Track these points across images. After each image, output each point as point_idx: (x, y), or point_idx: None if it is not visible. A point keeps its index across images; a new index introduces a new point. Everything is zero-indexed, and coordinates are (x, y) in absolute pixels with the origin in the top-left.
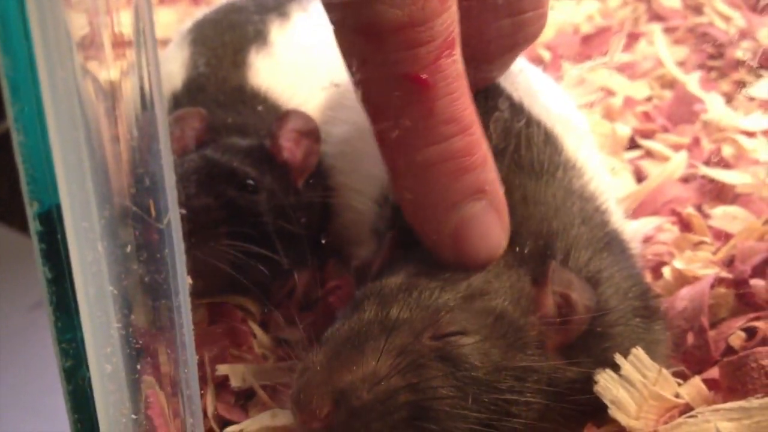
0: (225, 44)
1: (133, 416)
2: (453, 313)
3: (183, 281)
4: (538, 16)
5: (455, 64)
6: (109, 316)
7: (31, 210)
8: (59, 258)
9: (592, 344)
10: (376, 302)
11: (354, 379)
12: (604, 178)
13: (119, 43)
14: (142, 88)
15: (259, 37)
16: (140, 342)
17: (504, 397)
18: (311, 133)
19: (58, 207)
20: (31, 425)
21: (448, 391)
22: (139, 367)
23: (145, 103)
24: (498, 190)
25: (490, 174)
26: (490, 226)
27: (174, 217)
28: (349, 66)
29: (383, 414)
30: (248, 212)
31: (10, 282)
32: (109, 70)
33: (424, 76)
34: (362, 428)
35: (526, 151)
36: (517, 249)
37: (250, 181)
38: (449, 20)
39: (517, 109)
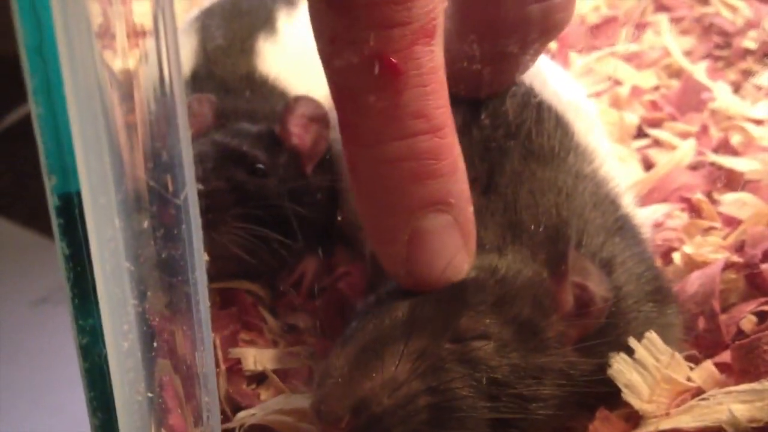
0: (233, 32)
1: (149, 395)
2: (472, 316)
3: (200, 257)
4: (567, 2)
5: (432, 54)
6: (126, 293)
7: (49, 184)
8: (77, 234)
9: (607, 331)
10: (396, 303)
11: (374, 385)
12: (614, 163)
13: (134, 33)
14: (160, 63)
15: (267, 25)
16: (156, 319)
17: (523, 395)
18: (321, 119)
19: (77, 183)
20: (33, 420)
21: (468, 393)
22: (155, 344)
23: (163, 78)
24: (466, 207)
25: (458, 186)
26: (450, 245)
27: (191, 192)
28: (318, 43)
29: (403, 418)
30: (257, 197)
31: (13, 277)
32: (125, 56)
33: (394, 61)
34: None
35: (536, 135)
36: (531, 236)
37: (260, 166)
38: (431, 6)
39: (527, 93)
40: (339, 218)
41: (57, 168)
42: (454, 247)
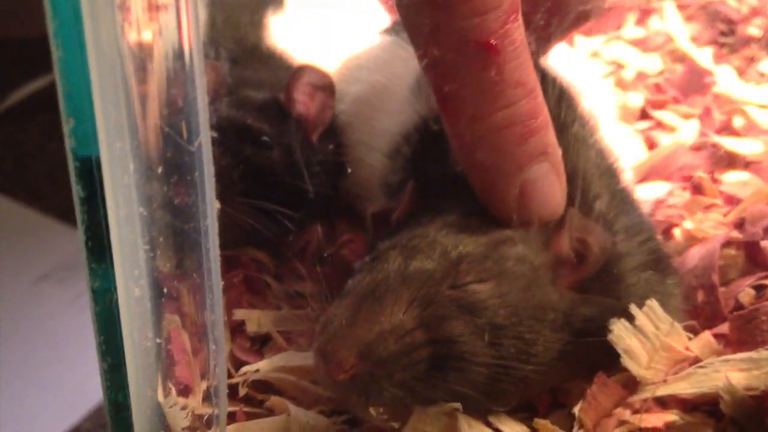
0: (242, 5)
1: (158, 340)
2: (472, 262)
3: (211, 205)
4: None
5: (520, 28)
6: (138, 238)
7: (67, 127)
8: (92, 177)
9: (606, 287)
10: (397, 254)
11: (375, 331)
12: (617, 139)
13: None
14: (178, 14)
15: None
16: (167, 266)
17: (523, 337)
18: (326, 87)
19: (93, 127)
20: (31, 397)
21: (468, 338)
22: (165, 291)
23: (181, 27)
24: (558, 152)
25: (551, 136)
26: (552, 187)
27: (205, 140)
28: (415, 37)
29: (405, 364)
30: (262, 169)
31: (15, 255)
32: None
33: (493, 42)
34: (385, 379)
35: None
36: None
37: (265, 138)
38: None
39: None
40: (341, 189)
41: (74, 112)
42: (555, 188)
